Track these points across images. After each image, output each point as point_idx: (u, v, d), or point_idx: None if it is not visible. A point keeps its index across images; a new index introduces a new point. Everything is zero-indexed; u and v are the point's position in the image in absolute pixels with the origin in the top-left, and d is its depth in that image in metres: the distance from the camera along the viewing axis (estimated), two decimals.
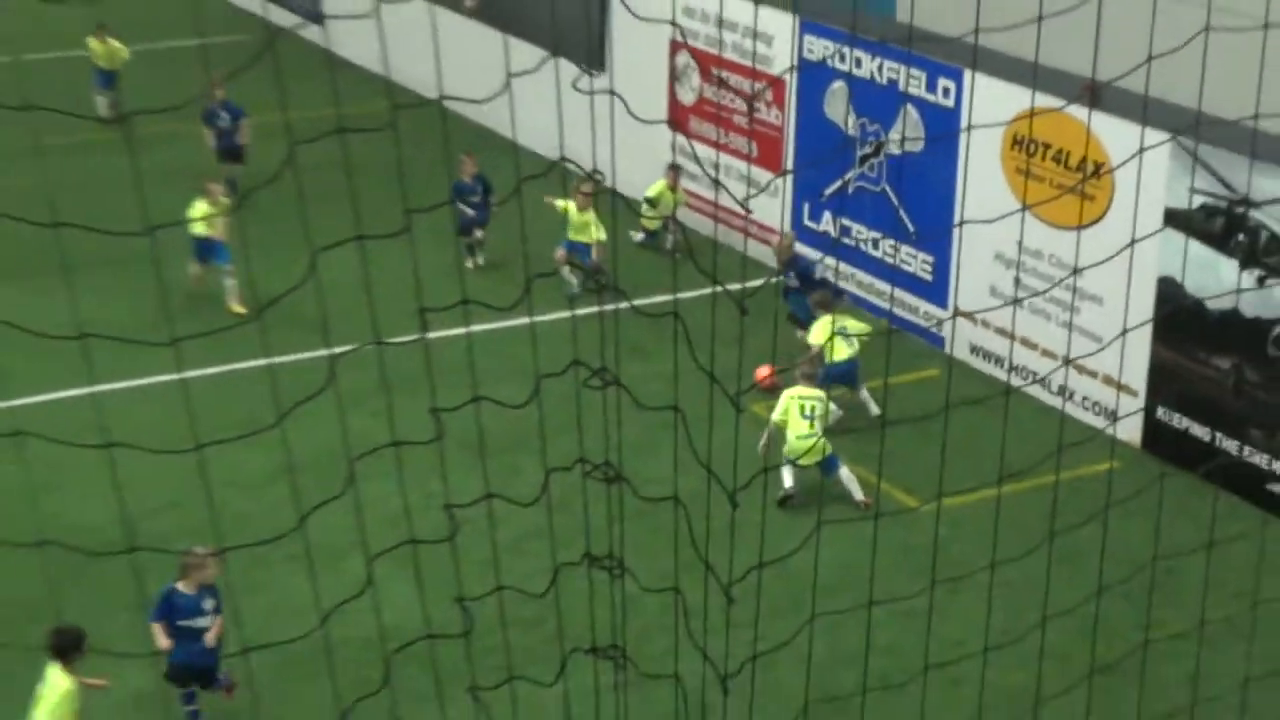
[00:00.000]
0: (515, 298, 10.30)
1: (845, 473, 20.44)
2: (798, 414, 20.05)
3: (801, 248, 24.35)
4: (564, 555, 10.63)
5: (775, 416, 20.26)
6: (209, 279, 24.97)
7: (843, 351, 21.13)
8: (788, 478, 20.16)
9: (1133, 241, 14.67)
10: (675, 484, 9.89)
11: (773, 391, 20.99)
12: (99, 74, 33.89)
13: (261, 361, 21.25)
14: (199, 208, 24.39)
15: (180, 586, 16.19)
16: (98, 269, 22.26)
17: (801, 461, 20.03)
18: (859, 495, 20.16)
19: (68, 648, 15.06)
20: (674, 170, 27.36)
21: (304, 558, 11.73)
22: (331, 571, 16.88)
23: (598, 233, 25.63)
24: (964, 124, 23.31)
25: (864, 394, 21.97)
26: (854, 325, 21.86)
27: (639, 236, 27.99)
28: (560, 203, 25.38)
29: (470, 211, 27.78)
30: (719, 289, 9.54)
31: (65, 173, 27.87)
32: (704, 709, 11.43)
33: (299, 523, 9.06)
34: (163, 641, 15.68)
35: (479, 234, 28.13)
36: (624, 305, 11.18)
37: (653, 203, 27.67)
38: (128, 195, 13.21)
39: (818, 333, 21.22)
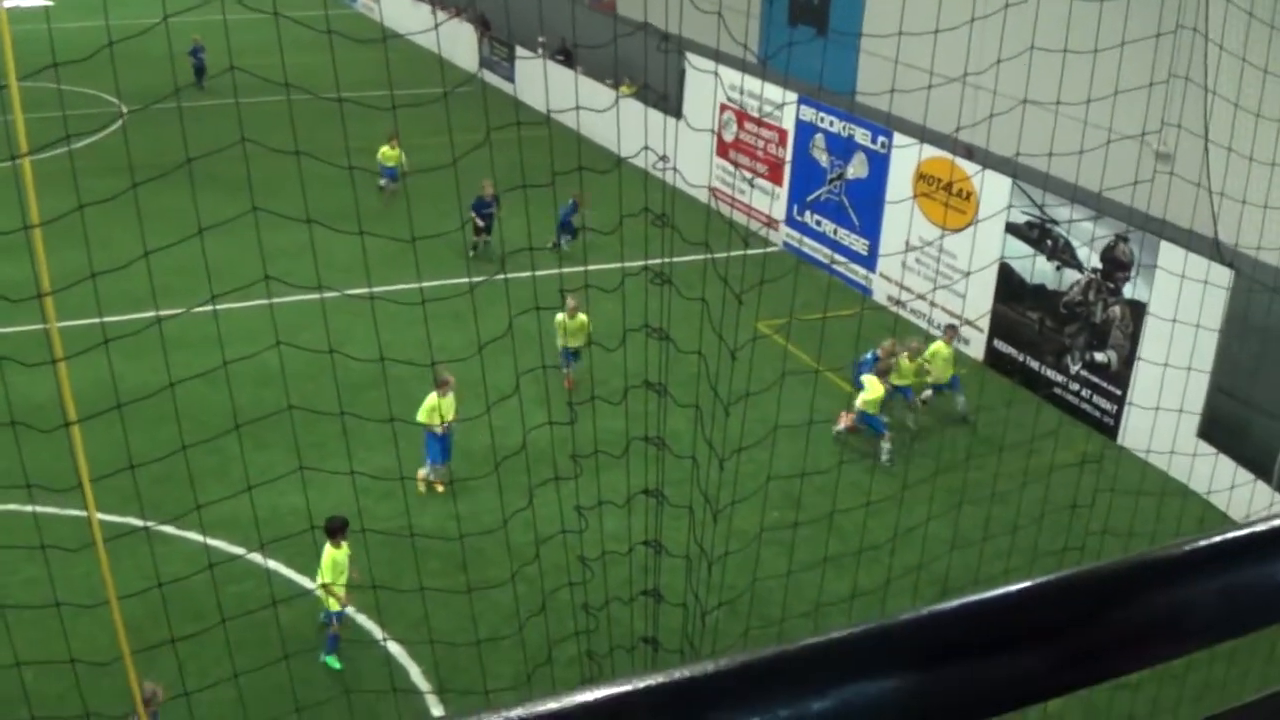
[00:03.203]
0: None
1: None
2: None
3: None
4: None
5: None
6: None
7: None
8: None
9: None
10: None
11: (854, 431, 24.48)
12: (385, 169, 37.35)
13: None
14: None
15: None
16: None
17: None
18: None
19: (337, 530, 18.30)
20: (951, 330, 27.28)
21: None
22: None
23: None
24: (891, 163, 30.44)
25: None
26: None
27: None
28: (560, 317, 25.67)
29: (480, 223, 32.79)
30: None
31: None
32: None
33: None
34: None
35: (485, 239, 32.97)
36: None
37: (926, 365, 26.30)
38: None
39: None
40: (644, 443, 13.33)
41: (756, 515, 17.36)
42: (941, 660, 1.65)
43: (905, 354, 25.36)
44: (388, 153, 37.44)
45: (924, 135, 24.44)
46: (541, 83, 29.01)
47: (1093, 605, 1.74)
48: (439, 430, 22.40)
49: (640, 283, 20.24)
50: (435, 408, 22.27)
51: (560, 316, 25.69)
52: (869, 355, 25.11)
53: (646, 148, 13.91)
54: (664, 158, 30.28)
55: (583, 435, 16.11)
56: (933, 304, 28.84)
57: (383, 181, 37.76)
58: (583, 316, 25.70)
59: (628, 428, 13.84)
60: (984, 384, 24.49)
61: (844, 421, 24.59)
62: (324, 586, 18.21)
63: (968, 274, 26.23)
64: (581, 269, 20.69)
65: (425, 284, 16.41)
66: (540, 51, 46.72)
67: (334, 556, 18.22)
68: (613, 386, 14.97)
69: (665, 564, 14.71)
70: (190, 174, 13.18)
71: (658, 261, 24.95)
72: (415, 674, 17.89)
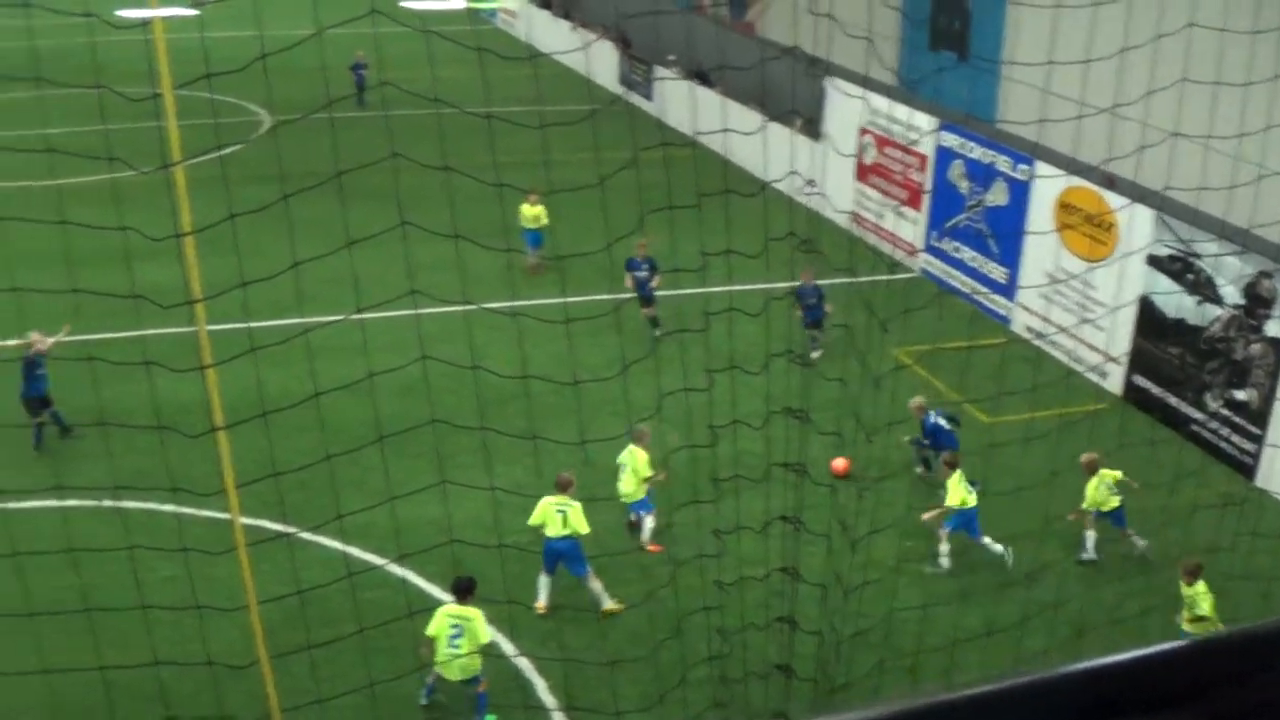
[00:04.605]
0: None
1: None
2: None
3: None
4: None
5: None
6: None
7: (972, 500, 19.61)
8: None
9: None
10: None
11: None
12: (527, 233, 32.73)
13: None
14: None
15: None
16: None
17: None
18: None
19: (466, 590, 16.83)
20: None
21: None
22: None
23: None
24: (1032, 191, 29.99)
25: (992, 545, 19.86)
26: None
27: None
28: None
29: (630, 284, 28.65)
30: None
31: None
32: None
33: None
34: None
35: (650, 310, 28.91)
36: None
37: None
38: None
39: (952, 490, 19.30)
40: (783, 469, 13.36)
41: (893, 545, 17.27)
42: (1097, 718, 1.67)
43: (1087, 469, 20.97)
44: (528, 211, 32.73)
45: (1070, 165, 24.10)
46: (679, 102, 28.83)
47: (1246, 666, 1.74)
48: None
49: (783, 307, 20.10)
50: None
51: (633, 453, 20.12)
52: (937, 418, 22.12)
53: (794, 172, 13.98)
54: (810, 182, 29.87)
55: (723, 458, 16.14)
56: (1074, 337, 28.29)
57: (530, 257, 32.88)
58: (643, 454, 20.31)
59: (768, 452, 13.87)
60: (1124, 421, 24.02)
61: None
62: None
63: (1113, 309, 25.76)
64: (726, 289, 20.40)
65: (569, 300, 16.68)
66: (677, 71, 46.44)
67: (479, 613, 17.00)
68: (753, 410, 14.94)
69: (801, 591, 14.69)
70: (339, 185, 13.42)
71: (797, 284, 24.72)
72: (541, 689, 17.93)
